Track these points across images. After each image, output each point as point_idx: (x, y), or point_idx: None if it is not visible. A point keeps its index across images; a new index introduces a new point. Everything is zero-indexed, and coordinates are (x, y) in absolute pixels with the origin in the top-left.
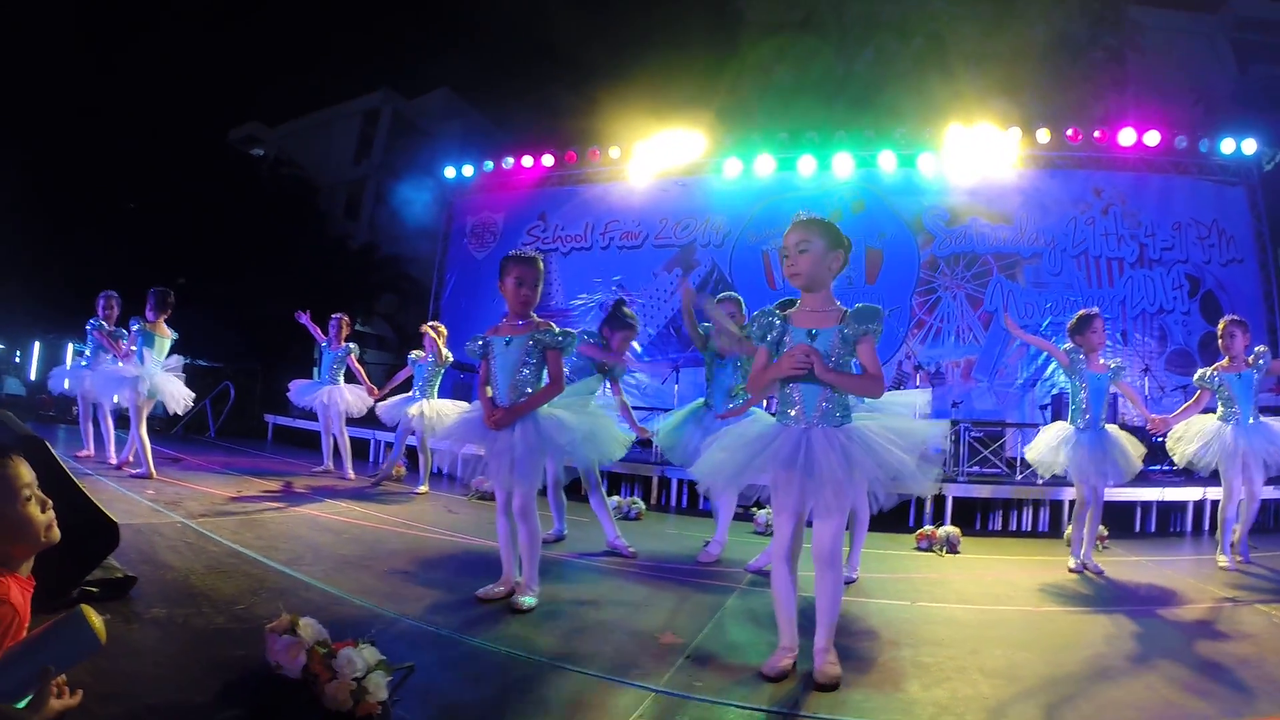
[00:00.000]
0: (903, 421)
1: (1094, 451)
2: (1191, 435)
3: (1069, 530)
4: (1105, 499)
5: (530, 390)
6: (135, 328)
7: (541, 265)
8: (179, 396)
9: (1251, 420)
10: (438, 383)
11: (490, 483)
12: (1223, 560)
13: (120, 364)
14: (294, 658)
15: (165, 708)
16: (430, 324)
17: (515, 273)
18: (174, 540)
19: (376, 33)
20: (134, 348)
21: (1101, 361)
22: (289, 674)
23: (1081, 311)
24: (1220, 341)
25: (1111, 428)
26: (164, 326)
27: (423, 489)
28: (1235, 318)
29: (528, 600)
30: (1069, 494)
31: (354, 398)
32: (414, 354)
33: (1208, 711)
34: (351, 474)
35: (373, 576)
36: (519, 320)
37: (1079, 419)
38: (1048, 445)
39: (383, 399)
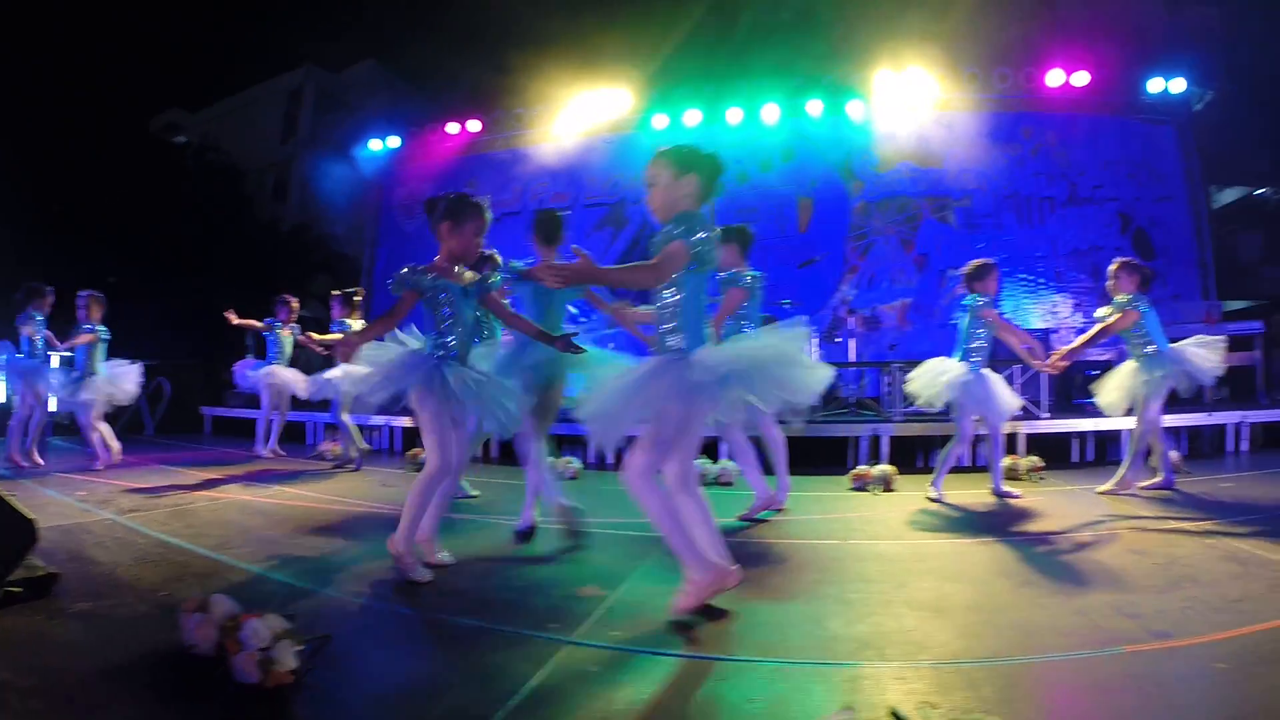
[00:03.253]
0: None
1: (995, 387)
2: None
3: (1006, 461)
4: (1041, 431)
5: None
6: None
7: None
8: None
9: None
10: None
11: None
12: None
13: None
14: (206, 634)
15: (86, 697)
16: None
17: (478, 223)
18: (102, 536)
19: (296, 9)
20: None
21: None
22: (203, 652)
23: (981, 261)
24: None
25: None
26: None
27: (359, 451)
28: (1126, 260)
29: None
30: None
31: (299, 379)
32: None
33: (1136, 633)
34: (267, 451)
35: (299, 554)
36: (462, 269)
37: (979, 358)
38: (937, 379)
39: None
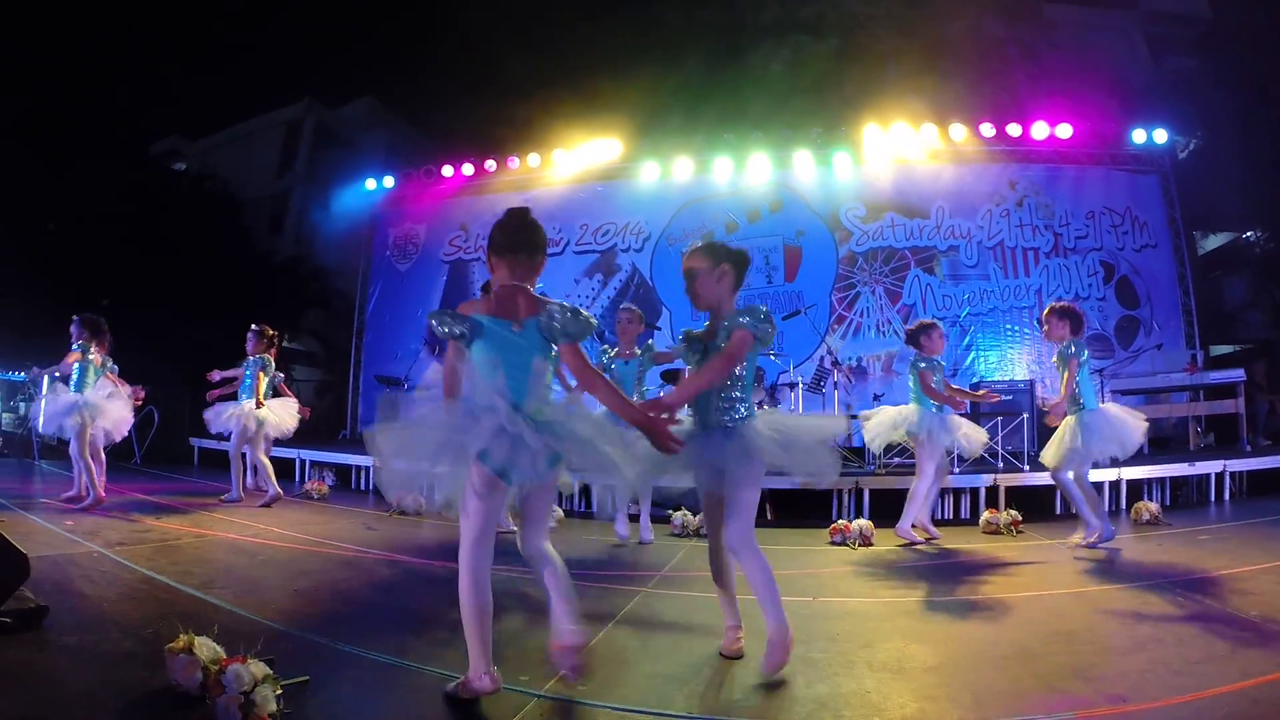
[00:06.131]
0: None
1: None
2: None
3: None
4: (1023, 484)
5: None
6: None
7: None
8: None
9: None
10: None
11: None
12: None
13: None
14: (191, 675)
15: None
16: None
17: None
18: (89, 570)
19: (298, 42)
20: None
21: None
22: (188, 691)
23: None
24: (1044, 329)
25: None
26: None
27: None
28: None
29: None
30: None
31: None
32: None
33: (1090, 697)
34: (242, 494)
35: (282, 596)
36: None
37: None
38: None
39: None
